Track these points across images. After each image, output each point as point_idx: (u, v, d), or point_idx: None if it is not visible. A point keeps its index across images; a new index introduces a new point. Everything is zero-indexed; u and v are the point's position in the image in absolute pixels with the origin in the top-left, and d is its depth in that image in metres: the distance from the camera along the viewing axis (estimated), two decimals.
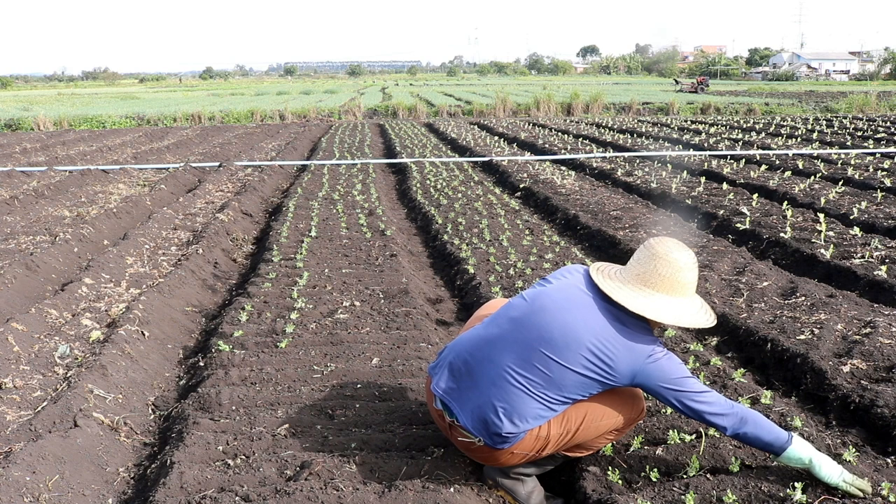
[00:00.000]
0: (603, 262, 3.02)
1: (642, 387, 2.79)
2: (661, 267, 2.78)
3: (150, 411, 4.06)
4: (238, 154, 15.89)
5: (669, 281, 2.78)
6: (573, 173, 11.70)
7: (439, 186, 10.56)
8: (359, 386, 3.95)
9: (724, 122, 22.38)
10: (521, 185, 10.63)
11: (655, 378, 2.73)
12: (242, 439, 3.36)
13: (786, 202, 8.66)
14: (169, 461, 3.20)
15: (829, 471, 2.76)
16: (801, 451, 2.76)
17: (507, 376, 2.75)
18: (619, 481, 3.03)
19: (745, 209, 8.12)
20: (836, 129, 19.26)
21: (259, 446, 3.31)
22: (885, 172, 10.73)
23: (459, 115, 30.02)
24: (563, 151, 14.89)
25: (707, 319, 2.86)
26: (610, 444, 3.18)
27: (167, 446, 3.46)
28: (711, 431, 3.28)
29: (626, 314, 2.78)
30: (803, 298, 5.12)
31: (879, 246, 6.41)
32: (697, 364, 4.11)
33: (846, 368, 3.93)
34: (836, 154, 13.38)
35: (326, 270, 6.18)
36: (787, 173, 10.88)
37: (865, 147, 14.56)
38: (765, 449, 2.81)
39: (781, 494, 2.76)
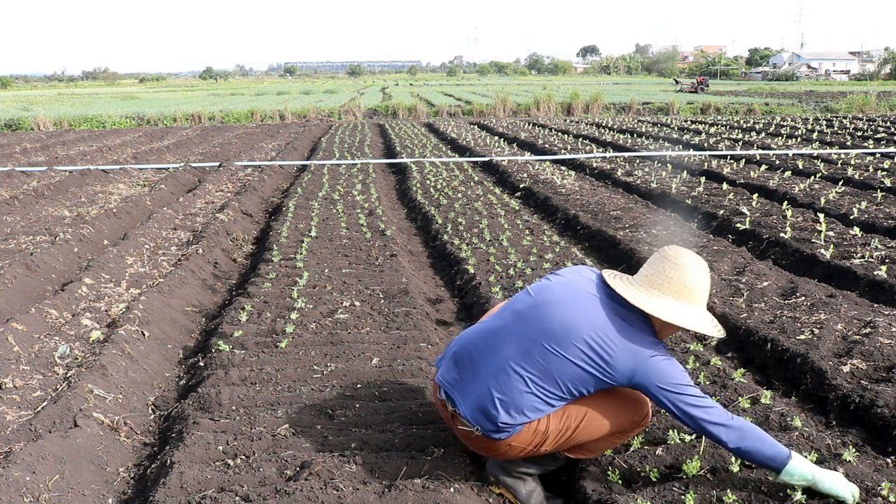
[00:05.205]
0: (617, 272, 3.01)
1: (641, 388, 2.77)
2: (669, 269, 2.80)
3: (150, 411, 4.06)
4: (238, 154, 15.90)
5: (676, 284, 2.78)
6: (573, 173, 11.70)
7: (439, 186, 10.56)
8: (359, 386, 3.95)
9: (724, 122, 22.37)
10: (521, 185, 10.63)
11: (654, 379, 2.71)
12: (242, 439, 3.36)
13: (786, 202, 8.66)
14: (169, 461, 3.20)
15: (838, 485, 2.70)
16: (802, 467, 2.70)
17: (507, 368, 2.78)
18: (619, 481, 3.03)
19: (745, 209, 8.12)
20: (836, 129, 19.26)
21: (259, 446, 3.31)
22: (885, 172, 10.73)
23: (459, 115, 30.02)
24: (563, 151, 14.89)
25: (710, 327, 2.83)
26: None
27: (167, 446, 3.46)
28: None
29: (631, 314, 2.78)
30: (803, 298, 5.12)
31: (879, 246, 6.41)
32: (697, 364, 4.12)
33: (846, 368, 3.94)
34: (836, 154, 13.38)
35: (326, 270, 6.18)
36: (787, 173, 10.88)
37: (865, 147, 14.56)
38: (765, 465, 2.74)
39: (781, 494, 2.76)
